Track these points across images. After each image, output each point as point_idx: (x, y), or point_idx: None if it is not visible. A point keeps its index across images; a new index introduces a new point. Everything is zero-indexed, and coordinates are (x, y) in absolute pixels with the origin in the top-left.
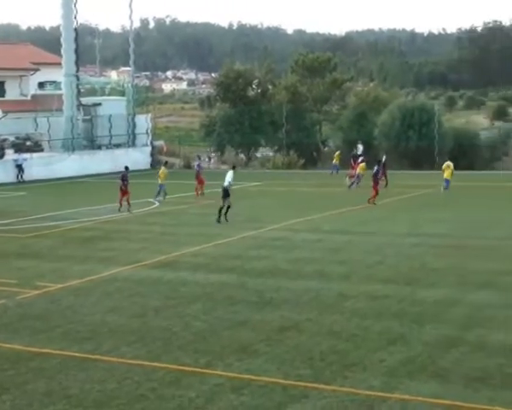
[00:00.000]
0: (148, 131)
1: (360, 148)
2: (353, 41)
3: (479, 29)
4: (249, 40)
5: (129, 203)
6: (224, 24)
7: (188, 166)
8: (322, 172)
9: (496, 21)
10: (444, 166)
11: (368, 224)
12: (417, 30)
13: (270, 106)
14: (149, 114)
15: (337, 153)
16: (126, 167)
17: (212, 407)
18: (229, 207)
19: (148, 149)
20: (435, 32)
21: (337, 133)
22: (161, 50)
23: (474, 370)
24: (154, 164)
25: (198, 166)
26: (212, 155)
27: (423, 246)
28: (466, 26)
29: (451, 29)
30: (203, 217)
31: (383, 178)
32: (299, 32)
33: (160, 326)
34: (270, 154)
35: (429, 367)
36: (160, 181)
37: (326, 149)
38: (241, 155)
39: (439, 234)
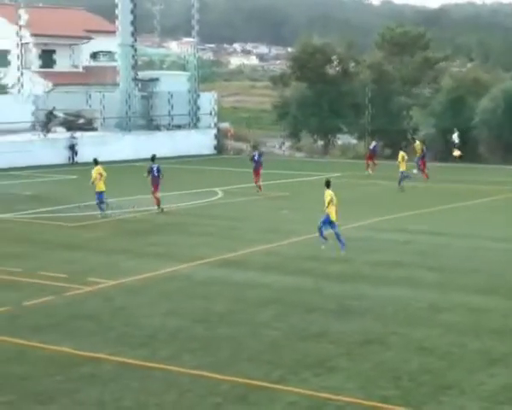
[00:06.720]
0: (213, 111)
1: (456, 136)
2: (449, 15)
3: None
4: (329, 10)
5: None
6: None
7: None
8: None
9: None
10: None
11: (460, 225)
12: None
13: (352, 86)
14: (214, 92)
15: (417, 143)
16: (153, 157)
17: None
18: None
19: (213, 131)
20: None
21: (429, 120)
22: (229, 20)
23: None
24: (219, 148)
25: (258, 156)
26: (284, 140)
27: None
28: None
29: None
30: (273, 210)
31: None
32: (386, 3)
33: (225, 333)
34: (353, 141)
35: None
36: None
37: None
38: (319, 142)
39: None
